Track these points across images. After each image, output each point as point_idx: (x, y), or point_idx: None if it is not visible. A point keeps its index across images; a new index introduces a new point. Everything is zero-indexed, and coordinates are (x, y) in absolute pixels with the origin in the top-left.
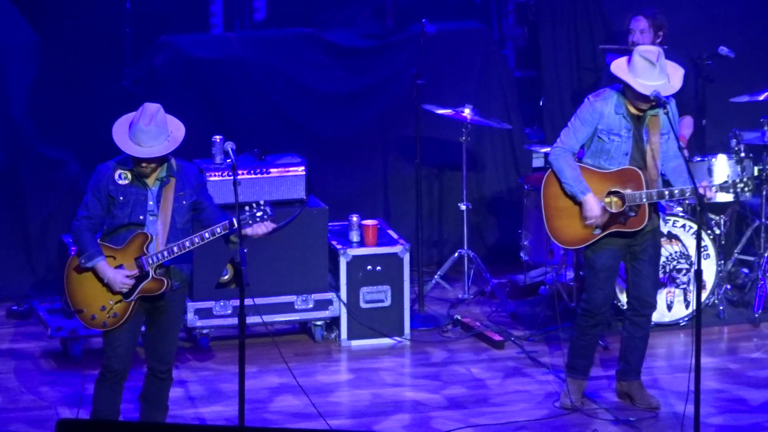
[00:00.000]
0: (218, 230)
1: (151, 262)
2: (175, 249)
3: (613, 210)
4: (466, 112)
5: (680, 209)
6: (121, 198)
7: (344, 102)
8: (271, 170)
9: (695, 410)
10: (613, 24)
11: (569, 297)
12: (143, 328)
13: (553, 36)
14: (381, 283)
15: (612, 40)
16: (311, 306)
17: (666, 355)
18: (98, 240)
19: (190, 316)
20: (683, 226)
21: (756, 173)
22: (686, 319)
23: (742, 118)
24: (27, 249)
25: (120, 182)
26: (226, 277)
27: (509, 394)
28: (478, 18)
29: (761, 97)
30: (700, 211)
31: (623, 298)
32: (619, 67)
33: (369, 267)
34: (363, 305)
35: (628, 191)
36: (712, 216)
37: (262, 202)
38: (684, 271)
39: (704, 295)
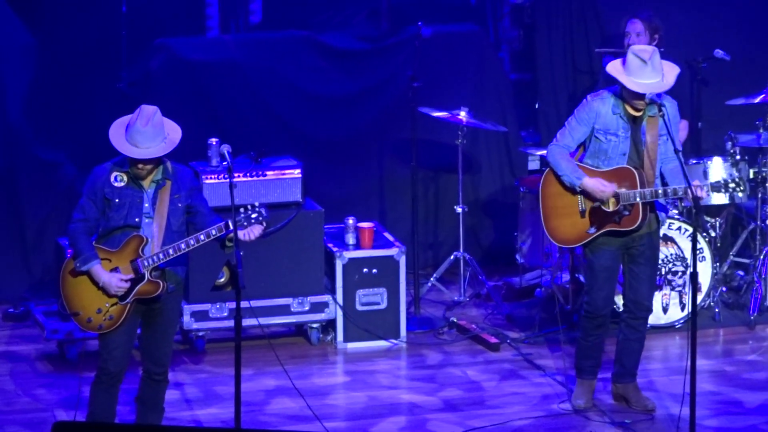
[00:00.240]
0: (213, 232)
1: (146, 264)
2: (171, 251)
3: (609, 209)
4: (462, 114)
5: (676, 212)
6: (117, 200)
7: (340, 104)
8: (267, 173)
9: (690, 412)
10: (609, 27)
11: (565, 299)
12: (139, 331)
13: (548, 39)
14: (377, 286)
15: (607, 43)
16: (307, 308)
17: (661, 357)
18: (93, 242)
19: (186, 318)
20: (679, 228)
21: (751, 176)
22: (682, 321)
23: (737, 120)
24: (23, 251)
25: (116, 184)
26: (222, 279)
27: (505, 397)
28: (474, 20)
29: (757, 100)
30: (696, 213)
31: (619, 300)
32: (613, 66)
33: (365, 269)
34: (359, 308)
35: (623, 190)
36: (708, 218)
37: (256, 204)
38: (680, 274)
39: (700, 298)
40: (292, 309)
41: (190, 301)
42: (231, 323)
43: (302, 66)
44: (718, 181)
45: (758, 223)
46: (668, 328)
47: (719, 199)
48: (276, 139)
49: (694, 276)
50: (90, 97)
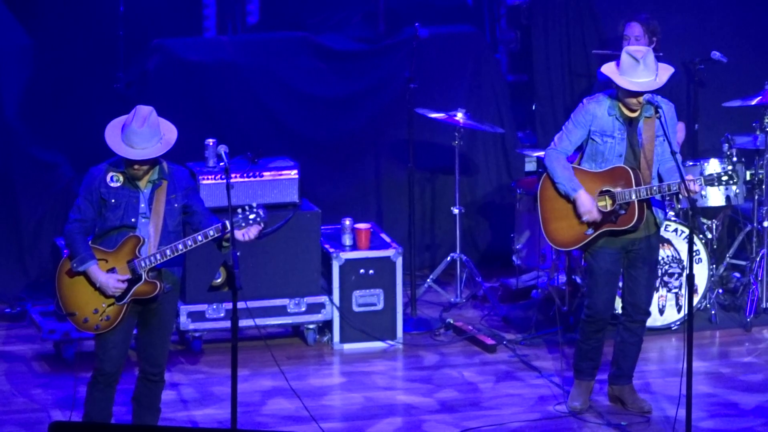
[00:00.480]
0: (211, 233)
1: (143, 265)
2: (168, 252)
3: (606, 209)
4: (459, 116)
5: (672, 213)
6: (113, 200)
7: (337, 105)
8: (264, 173)
9: (687, 414)
10: (606, 29)
11: (562, 301)
12: (135, 331)
13: (545, 40)
14: (373, 287)
15: (604, 45)
16: (304, 309)
17: (658, 359)
18: (90, 243)
19: (182, 319)
20: (675, 230)
21: (748, 177)
22: (678, 323)
23: (734, 122)
24: (20, 252)
25: (112, 185)
26: (219, 280)
27: (501, 398)
28: (471, 22)
29: (753, 102)
30: (692, 215)
31: (618, 303)
32: (607, 66)
33: (361, 270)
34: (355, 309)
35: (618, 189)
36: (704, 220)
37: (254, 205)
38: (676, 276)
39: (696, 300)
40: (289, 310)
41: (186, 302)
42: (227, 324)
43: (299, 67)
44: (711, 174)
45: (755, 225)
46: (664, 330)
47: (716, 200)
48: (273, 139)
49: (690, 278)
50: (87, 98)
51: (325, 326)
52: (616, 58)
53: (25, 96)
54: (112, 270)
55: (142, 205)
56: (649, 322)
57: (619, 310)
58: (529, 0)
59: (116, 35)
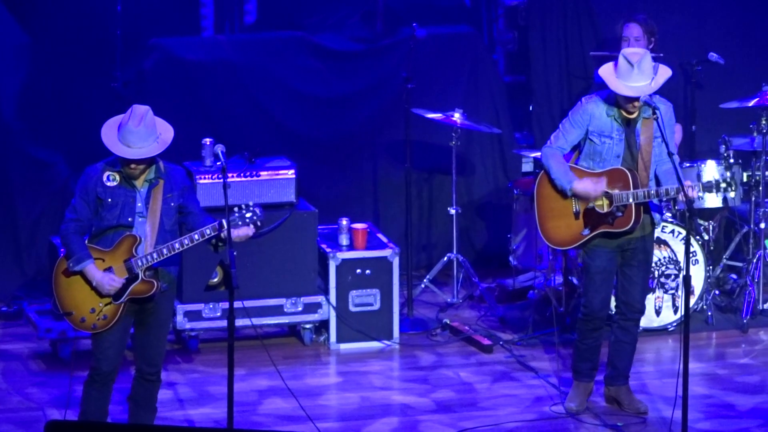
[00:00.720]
0: (208, 231)
1: (140, 264)
2: (165, 251)
3: (603, 210)
4: (456, 116)
5: (669, 215)
6: (110, 200)
7: (334, 105)
8: (261, 173)
9: (683, 415)
10: (603, 30)
11: (558, 301)
12: (132, 330)
13: (542, 41)
14: (370, 287)
15: (602, 46)
16: (300, 309)
17: (654, 360)
18: (86, 242)
19: (179, 318)
20: (672, 231)
21: (745, 179)
22: (674, 324)
23: (731, 124)
24: (16, 250)
25: (108, 184)
26: (216, 279)
27: (497, 398)
28: (468, 22)
29: (750, 104)
30: (689, 216)
31: (612, 303)
32: (604, 69)
33: (358, 270)
34: (352, 308)
35: (616, 191)
36: (701, 221)
37: (251, 203)
38: (672, 277)
39: (692, 301)
40: (285, 309)
41: (183, 301)
42: (224, 323)
43: (297, 67)
44: (710, 181)
45: (751, 226)
46: (661, 331)
47: (713, 202)
48: (270, 139)
49: (686, 279)
50: (84, 97)
51: (322, 326)
52: (613, 59)
53: (22, 95)
54: (108, 269)
55: (139, 204)
56: (646, 324)
57: (613, 310)
58: (527, 0)
59: (114, 34)
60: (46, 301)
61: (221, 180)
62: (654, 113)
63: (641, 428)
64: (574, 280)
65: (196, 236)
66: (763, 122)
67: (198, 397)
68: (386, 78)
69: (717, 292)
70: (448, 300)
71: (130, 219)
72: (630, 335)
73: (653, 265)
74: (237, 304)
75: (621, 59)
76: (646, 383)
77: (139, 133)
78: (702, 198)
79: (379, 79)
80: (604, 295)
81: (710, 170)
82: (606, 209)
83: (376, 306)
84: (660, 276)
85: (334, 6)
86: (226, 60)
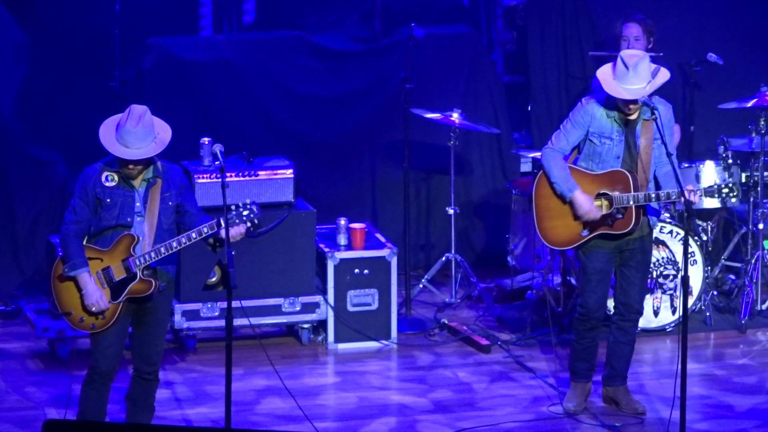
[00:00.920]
0: (205, 230)
1: (138, 263)
2: (163, 250)
3: (603, 211)
4: (455, 116)
5: (667, 215)
6: (108, 200)
7: (333, 105)
8: (260, 173)
9: (681, 416)
10: (602, 30)
11: (556, 302)
12: (130, 330)
13: (541, 41)
14: (368, 287)
15: (600, 46)
16: (298, 309)
17: (652, 360)
18: (85, 242)
19: (177, 317)
20: (670, 232)
21: (743, 180)
22: (673, 324)
23: (730, 124)
24: (15, 249)
25: (107, 184)
26: (214, 279)
27: (495, 398)
28: (467, 22)
29: (749, 104)
30: (688, 217)
31: (610, 303)
32: (602, 70)
33: (356, 270)
34: (350, 308)
35: (616, 193)
36: (700, 222)
37: (248, 201)
38: (671, 277)
39: (691, 301)
40: (284, 309)
41: (181, 301)
42: (222, 323)
43: (295, 66)
44: (712, 186)
45: (750, 227)
46: (659, 332)
47: (711, 203)
48: (268, 139)
49: (685, 279)
50: (83, 96)
51: (320, 326)
52: (612, 59)
53: (21, 94)
54: (107, 269)
55: (138, 204)
56: (644, 324)
57: (612, 310)
58: (526, 1)
59: (112, 33)
60: (44, 300)
61: (219, 179)
62: (653, 114)
63: (639, 429)
64: (572, 281)
65: (194, 235)
66: (762, 123)
67: (196, 397)
68: (385, 78)
69: (715, 292)
70: (446, 300)
71: (129, 219)
72: (628, 336)
73: (651, 265)
74: (235, 304)
75: (618, 61)
76: (644, 383)
77: (137, 134)
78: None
79: (378, 79)
80: (600, 295)
81: (709, 171)
82: (605, 211)
83: (374, 306)
84: (658, 276)
85: (333, 6)
86: (225, 60)
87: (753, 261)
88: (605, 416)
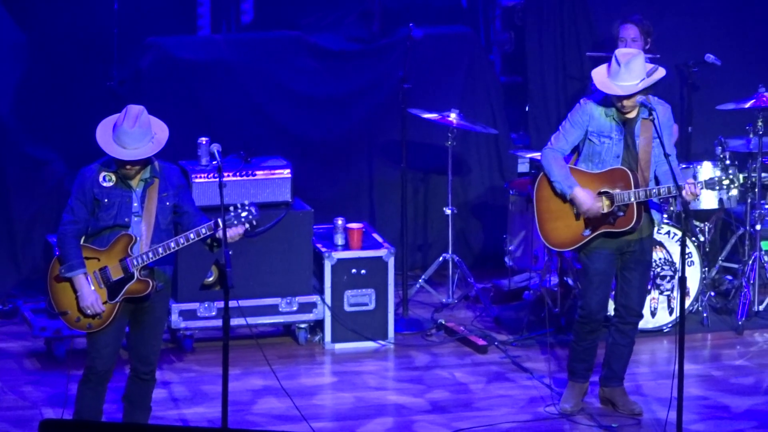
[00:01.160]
0: (203, 231)
1: (136, 263)
2: (160, 250)
3: (604, 210)
4: (452, 116)
5: (665, 216)
6: (106, 200)
7: (331, 105)
8: (257, 172)
9: (678, 417)
10: (600, 31)
11: (553, 302)
12: (127, 330)
13: (539, 41)
14: (365, 287)
15: (598, 46)
16: (295, 309)
17: (649, 361)
18: (82, 241)
19: (174, 317)
20: (668, 232)
21: (741, 180)
22: (670, 325)
23: (727, 125)
24: (12, 248)
25: (104, 184)
26: (211, 278)
27: (492, 399)
28: (465, 23)
29: (747, 105)
30: (685, 218)
31: (610, 305)
32: (598, 68)
33: (353, 270)
34: (347, 308)
35: (617, 191)
36: (697, 223)
37: (246, 203)
38: (668, 278)
39: (688, 302)
40: (281, 309)
41: (178, 300)
42: (219, 322)
43: (293, 66)
44: (712, 178)
45: (747, 228)
46: (656, 332)
47: (709, 203)
48: (266, 138)
49: (682, 280)
50: (80, 95)
51: (317, 326)
52: (609, 60)
53: (19, 93)
54: (104, 268)
55: (135, 204)
56: (641, 325)
57: (612, 312)
58: (524, 1)
59: (110, 33)
60: (41, 299)
61: (217, 179)
62: (650, 114)
63: (636, 429)
64: (570, 281)
65: (192, 235)
66: (759, 124)
67: (192, 397)
68: (383, 78)
69: (712, 293)
70: (443, 300)
71: (126, 219)
72: (627, 338)
73: None
74: (232, 304)
75: (612, 59)
76: (641, 384)
77: (134, 134)
78: (698, 199)
79: (376, 79)
80: (601, 297)
81: (706, 172)
82: (607, 209)
83: (371, 306)
84: (656, 277)
85: (331, 6)
86: (223, 59)
87: (750, 262)
88: (602, 417)
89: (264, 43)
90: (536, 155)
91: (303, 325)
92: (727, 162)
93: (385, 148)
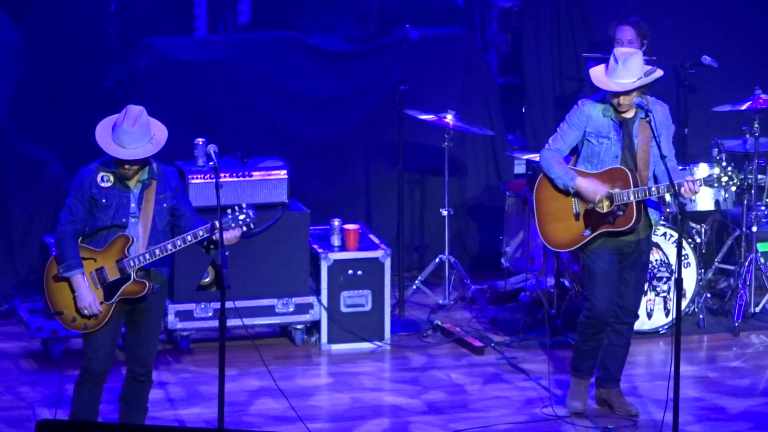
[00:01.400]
0: (201, 233)
1: (132, 264)
2: (157, 251)
3: (603, 210)
4: (449, 117)
5: (662, 217)
6: (104, 200)
7: (327, 106)
8: (254, 173)
9: (674, 418)
10: (597, 32)
11: (550, 303)
12: (123, 331)
13: (536, 43)
14: (362, 288)
15: (595, 48)
16: (292, 309)
17: (645, 362)
18: (79, 242)
19: (170, 318)
20: (664, 234)
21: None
22: (666, 327)
23: (724, 126)
24: (9, 249)
25: (102, 185)
26: (207, 279)
27: (488, 400)
28: (462, 24)
29: (743, 107)
30: (681, 219)
31: None
32: (597, 67)
33: (350, 271)
34: (343, 309)
35: (616, 190)
36: (693, 225)
37: (243, 205)
38: (664, 280)
39: (684, 304)
40: (277, 310)
41: (174, 301)
42: (215, 323)
43: (290, 67)
44: (711, 175)
45: (743, 229)
46: (652, 334)
47: (705, 205)
48: (262, 139)
49: (678, 282)
50: (78, 96)
51: (313, 327)
52: (606, 61)
53: (16, 93)
54: (101, 269)
55: (132, 205)
56: (637, 326)
57: None
58: (521, 2)
59: (107, 33)
60: (37, 300)
61: (213, 180)
62: (647, 115)
63: (632, 431)
64: (566, 283)
65: (189, 237)
66: (756, 125)
67: (189, 397)
68: (379, 79)
69: (709, 295)
70: (440, 301)
71: (124, 220)
72: (624, 339)
73: None
74: (228, 304)
75: (611, 57)
76: (637, 386)
77: (134, 134)
78: (694, 201)
79: (373, 80)
80: (608, 296)
81: (703, 173)
82: (606, 209)
83: (368, 307)
84: (652, 279)
85: (328, 7)
86: (220, 60)
87: (746, 264)
88: (598, 418)
89: (261, 44)
90: (533, 156)
91: (299, 326)
92: (724, 164)
93: (381, 149)
